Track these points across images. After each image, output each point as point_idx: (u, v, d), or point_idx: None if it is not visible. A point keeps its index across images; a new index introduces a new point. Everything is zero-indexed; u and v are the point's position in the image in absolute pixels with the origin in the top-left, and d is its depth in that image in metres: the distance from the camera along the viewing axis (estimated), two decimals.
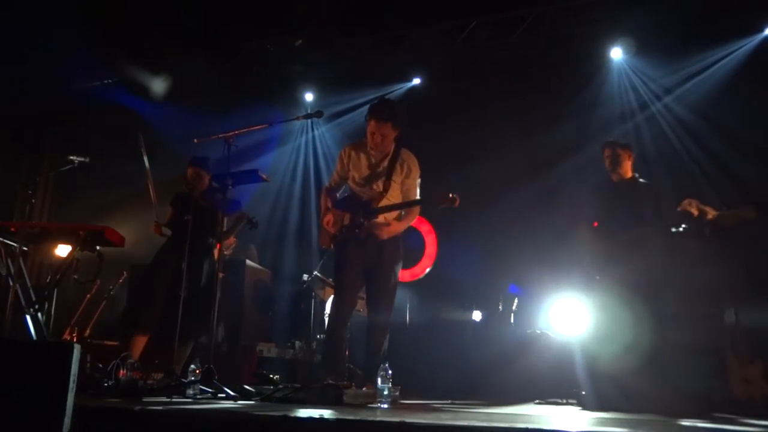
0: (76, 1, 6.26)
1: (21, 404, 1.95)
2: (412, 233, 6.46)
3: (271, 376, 5.23)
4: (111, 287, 5.91)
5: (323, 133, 8.17)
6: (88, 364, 4.16)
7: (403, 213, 4.08)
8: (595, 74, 6.81)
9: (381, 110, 3.98)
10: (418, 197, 4.08)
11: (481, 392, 4.76)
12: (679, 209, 4.17)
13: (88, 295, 5.66)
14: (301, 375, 5.73)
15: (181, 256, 4.19)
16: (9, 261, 4.21)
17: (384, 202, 3.99)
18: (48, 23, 6.37)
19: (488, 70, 7.06)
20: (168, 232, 4.74)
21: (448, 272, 6.66)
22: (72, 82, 7.88)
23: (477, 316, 6.12)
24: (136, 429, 2.31)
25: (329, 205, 4.19)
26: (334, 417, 2.35)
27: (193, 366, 3.58)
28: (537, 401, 4.70)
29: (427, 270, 6.96)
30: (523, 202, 6.40)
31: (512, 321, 5.87)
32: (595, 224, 4.31)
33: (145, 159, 4.76)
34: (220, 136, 3.97)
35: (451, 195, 3.82)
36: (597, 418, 3.15)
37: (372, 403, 3.24)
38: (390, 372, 3.23)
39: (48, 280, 4.54)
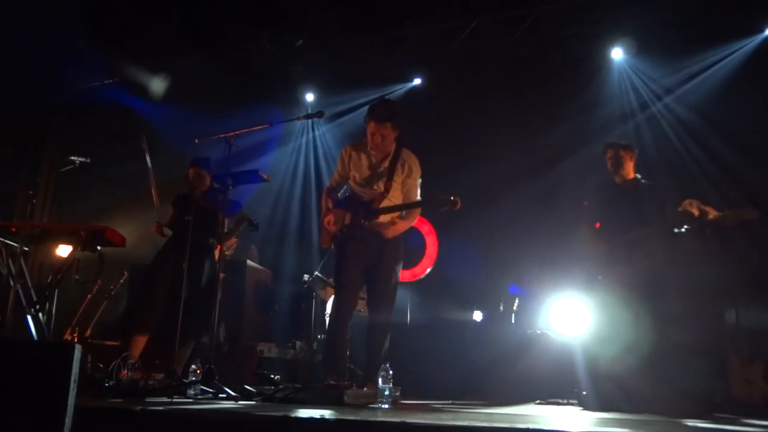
0: (76, 1, 6.26)
1: (21, 404, 1.95)
2: (413, 233, 6.45)
3: (272, 376, 5.25)
4: (112, 287, 5.91)
5: (324, 133, 8.17)
6: (89, 365, 4.17)
7: (403, 213, 4.08)
8: (595, 74, 6.81)
9: (380, 111, 3.98)
10: (419, 197, 4.08)
11: (481, 392, 4.76)
12: (679, 209, 4.16)
13: (89, 296, 5.66)
14: (302, 375, 5.73)
15: (182, 256, 4.19)
16: (10, 261, 4.21)
17: (385, 203, 3.99)
18: (48, 23, 6.37)
19: (488, 70, 7.06)
20: (169, 232, 4.74)
21: (449, 272, 6.66)
22: (73, 82, 7.88)
23: (478, 316, 6.12)
24: (137, 429, 2.31)
25: (330, 205, 4.19)
26: (334, 417, 2.35)
27: (193, 366, 3.58)
28: (538, 401, 4.70)
29: (428, 270, 6.96)
30: (524, 202, 6.40)
31: (513, 321, 5.87)
32: (597, 225, 4.32)
33: (148, 160, 4.76)
34: (221, 136, 3.97)
35: (452, 197, 3.82)
36: (598, 418, 3.15)
37: (373, 403, 3.23)
38: (391, 372, 3.23)
39: (49, 281, 4.55)
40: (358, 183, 4.12)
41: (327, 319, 5.54)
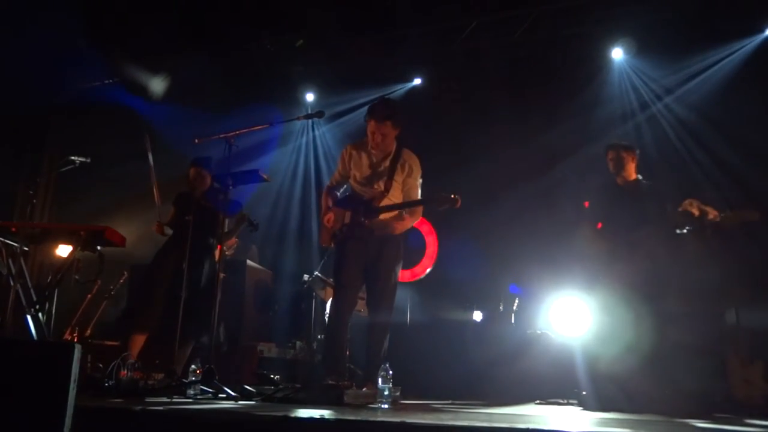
0: (76, 1, 6.26)
1: (21, 404, 1.95)
2: (413, 233, 6.46)
3: (272, 376, 5.25)
4: (112, 287, 5.91)
5: (324, 133, 8.17)
6: (89, 365, 4.17)
7: (404, 212, 4.08)
8: (595, 74, 6.81)
9: (380, 109, 3.99)
10: (419, 197, 4.08)
11: (481, 392, 4.76)
12: (680, 209, 4.17)
13: (89, 296, 5.65)
14: (302, 375, 5.73)
15: (182, 256, 4.19)
16: (10, 261, 4.22)
17: (385, 202, 4.00)
18: (48, 23, 6.37)
19: (488, 70, 7.06)
20: (170, 231, 4.74)
21: (449, 272, 6.66)
22: (73, 82, 7.88)
23: (478, 316, 6.12)
24: (137, 429, 2.31)
25: (330, 203, 4.20)
26: (334, 417, 2.35)
27: (193, 366, 3.58)
28: (538, 401, 4.70)
29: (428, 270, 6.96)
30: (524, 201, 6.40)
31: (513, 321, 5.87)
32: (599, 225, 4.31)
33: (151, 160, 4.76)
34: (221, 136, 3.97)
35: (453, 196, 3.82)
36: (598, 418, 3.14)
37: (372, 403, 3.23)
38: (390, 372, 3.23)
39: (49, 280, 4.55)
40: (359, 182, 4.12)
41: (327, 319, 5.53)
